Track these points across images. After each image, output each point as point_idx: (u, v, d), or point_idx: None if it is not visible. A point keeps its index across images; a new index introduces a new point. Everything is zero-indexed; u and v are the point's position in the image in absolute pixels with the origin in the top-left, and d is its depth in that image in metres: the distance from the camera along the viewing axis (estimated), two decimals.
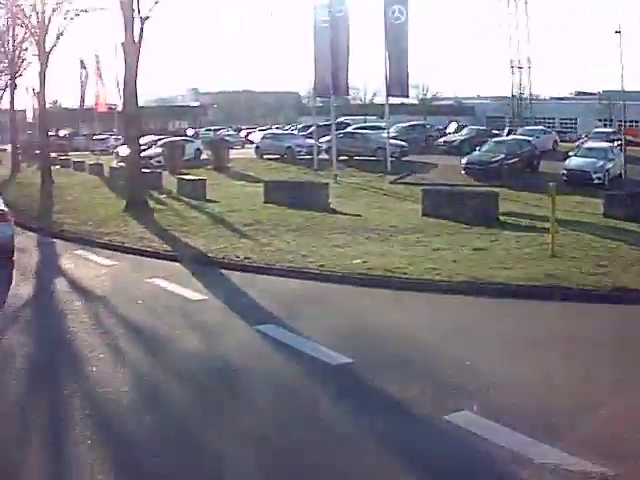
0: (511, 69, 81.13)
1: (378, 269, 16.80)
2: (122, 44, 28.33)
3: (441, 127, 66.97)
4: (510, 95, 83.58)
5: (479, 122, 76.59)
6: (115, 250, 21.21)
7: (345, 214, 26.41)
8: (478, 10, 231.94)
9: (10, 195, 35.87)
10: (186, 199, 31.49)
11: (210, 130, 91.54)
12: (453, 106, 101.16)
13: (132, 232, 23.33)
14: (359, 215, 26.14)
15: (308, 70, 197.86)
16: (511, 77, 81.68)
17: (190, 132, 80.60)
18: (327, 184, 30.82)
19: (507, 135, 55.70)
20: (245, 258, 18.84)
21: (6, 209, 19.97)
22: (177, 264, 19.11)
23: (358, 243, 20.59)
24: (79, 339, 12.55)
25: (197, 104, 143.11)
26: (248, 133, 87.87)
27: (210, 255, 19.49)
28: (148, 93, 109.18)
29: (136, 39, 27.93)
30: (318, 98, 50.99)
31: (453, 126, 67.00)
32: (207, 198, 31.71)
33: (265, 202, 29.65)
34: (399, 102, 57.81)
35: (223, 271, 18.26)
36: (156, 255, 20.21)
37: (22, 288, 16.85)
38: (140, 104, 29.42)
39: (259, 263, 18.38)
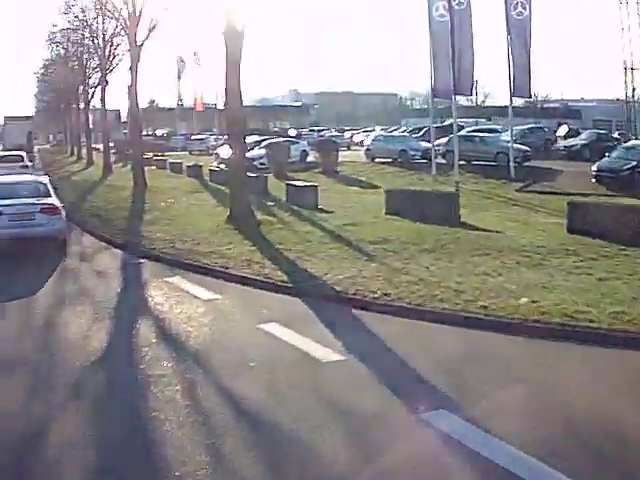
0: (624, 70, 75.04)
1: (554, 314, 12.60)
2: (223, 33, 24.11)
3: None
4: (618, 98, 78.19)
5: (586, 125, 71.80)
6: (217, 277, 16.93)
7: (480, 229, 22.37)
8: (585, 10, 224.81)
9: (98, 200, 32.84)
10: (296, 208, 27.34)
11: (313, 130, 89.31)
12: (559, 109, 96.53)
13: (237, 252, 18.97)
14: (497, 231, 22.07)
15: (409, 70, 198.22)
16: (623, 79, 75.50)
17: (292, 132, 77.59)
18: (457, 194, 27.07)
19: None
20: (383, 294, 14.35)
21: (58, 203, 21.52)
22: (296, 300, 14.76)
23: (509, 269, 16.38)
24: (165, 438, 8.33)
25: (299, 104, 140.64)
26: (352, 134, 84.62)
27: (338, 288, 15.03)
28: (249, 93, 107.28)
29: (239, 27, 23.95)
30: (436, 99, 45.94)
31: (563, 129, 62.81)
32: (319, 207, 27.87)
33: (386, 213, 25.65)
34: (504, 105, 53.15)
35: (356, 312, 13.78)
36: (269, 286, 15.76)
37: (93, 334, 12.72)
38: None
39: (402, 302, 13.91)
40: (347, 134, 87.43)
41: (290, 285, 15.59)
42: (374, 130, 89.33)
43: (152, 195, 34.30)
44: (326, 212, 26.62)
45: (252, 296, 15.30)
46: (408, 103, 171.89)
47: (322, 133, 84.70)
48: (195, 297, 15.12)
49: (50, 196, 21.66)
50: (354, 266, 16.93)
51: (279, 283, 15.80)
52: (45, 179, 24.12)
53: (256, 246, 19.70)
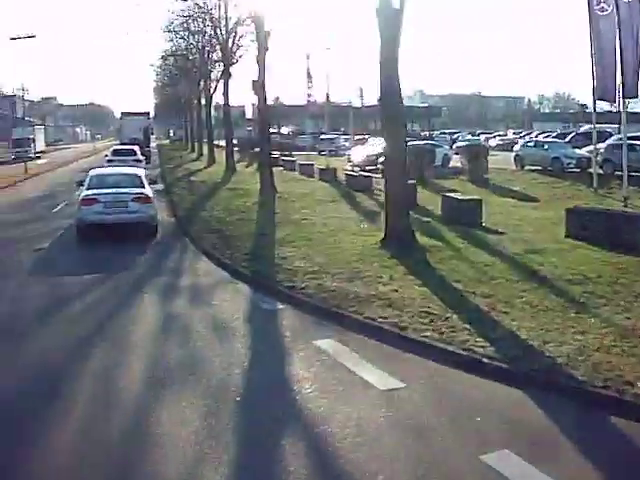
0: None
1: None
2: (377, 10, 18.97)
3: None
4: None
5: None
6: (388, 341, 11.52)
7: None
8: None
9: (219, 208, 28.40)
10: (457, 226, 22.12)
11: (444, 133, 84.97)
12: None
13: (408, 297, 13.58)
14: None
15: (539, 73, 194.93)
16: None
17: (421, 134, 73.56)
18: None
19: None
20: None
21: (150, 193, 23.65)
22: (519, 394, 9.42)
23: None
24: None
25: (426, 105, 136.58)
26: (487, 138, 79.84)
27: (576, 374, 9.56)
28: (372, 92, 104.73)
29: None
30: (601, 101, 40.17)
31: None
32: (483, 224, 22.78)
33: (567, 236, 20.51)
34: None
35: (617, 423, 8.51)
36: (471, 366, 10.34)
37: (200, 462, 7.62)
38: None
39: None
40: (481, 137, 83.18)
41: (504, 366, 10.16)
42: (507, 134, 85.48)
43: (282, 203, 29.52)
44: (494, 232, 21.58)
45: (450, 384, 9.86)
46: (537, 106, 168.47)
47: (456, 136, 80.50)
48: (365, 383, 9.77)
49: (144, 187, 23.77)
50: (571, 324, 11.83)
51: (486, 360, 10.39)
52: (141, 172, 26.17)
53: (429, 286, 14.37)
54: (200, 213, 27.27)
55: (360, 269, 16.03)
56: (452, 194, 26.34)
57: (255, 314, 13.95)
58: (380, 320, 12.20)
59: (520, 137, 77.39)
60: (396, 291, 13.99)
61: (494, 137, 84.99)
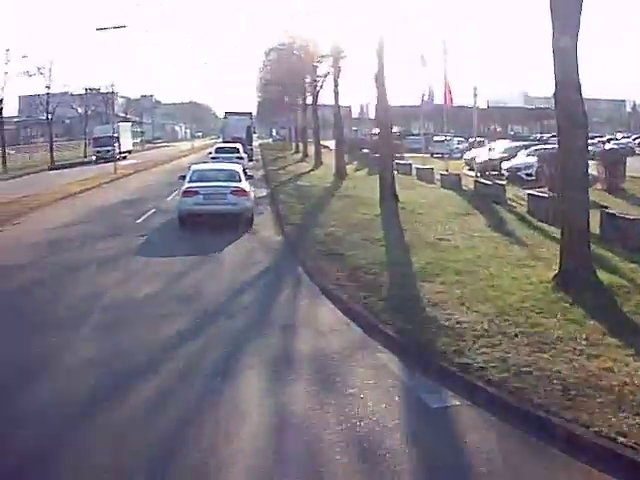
0: None
1: None
2: None
3: None
4: None
5: None
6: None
7: None
8: None
9: (334, 222, 24.26)
10: (622, 250, 17.91)
11: (555, 136, 79.99)
12: None
13: (631, 382, 9.13)
14: None
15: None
16: None
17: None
18: None
19: None
20: None
21: (247, 187, 26.06)
22: None
23: None
24: None
25: (532, 107, 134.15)
26: (600, 142, 75.97)
27: None
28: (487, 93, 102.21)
29: None
30: None
31: None
32: None
33: None
34: None
35: None
36: None
37: None
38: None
39: None
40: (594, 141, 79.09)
41: None
42: (618, 138, 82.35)
43: (408, 216, 25.08)
44: None
45: None
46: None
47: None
48: None
49: (241, 181, 25.99)
50: None
51: None
52: (239, 168, 28.26)
53: None
54: (313, 230, 22.92)
55: (543, 325, 11.66)
56: (613, 210, 21.83)
57: (419, 419, 8.91)
58: (621, 441, 7.66)
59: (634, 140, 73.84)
60: (611, 370, 9.62)
61: (608, 141, 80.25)
